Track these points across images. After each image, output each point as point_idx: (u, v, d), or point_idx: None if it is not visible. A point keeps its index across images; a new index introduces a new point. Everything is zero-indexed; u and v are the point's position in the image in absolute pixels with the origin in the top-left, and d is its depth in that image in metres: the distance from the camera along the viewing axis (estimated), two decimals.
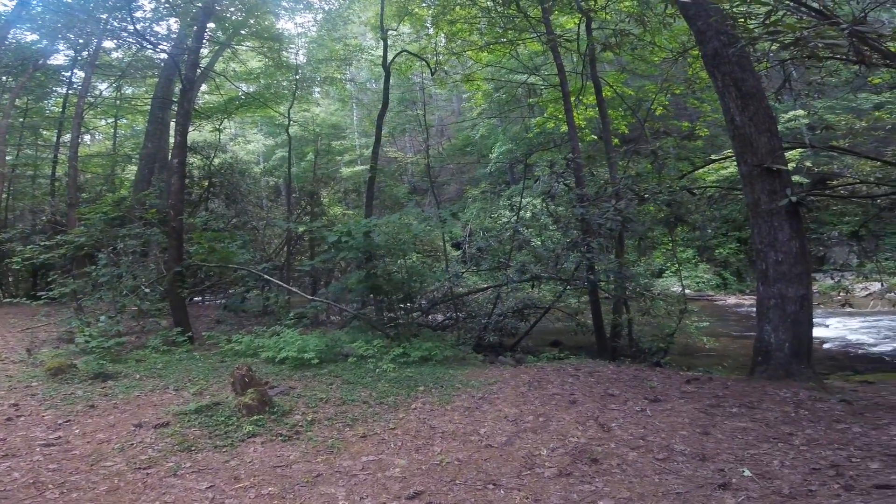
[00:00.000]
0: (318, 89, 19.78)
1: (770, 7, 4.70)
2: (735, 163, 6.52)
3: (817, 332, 11.48)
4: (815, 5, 4.80)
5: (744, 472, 3.10)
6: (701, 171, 16.10)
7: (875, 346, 10.17)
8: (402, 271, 8.44)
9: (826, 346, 10.49)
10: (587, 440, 3.81)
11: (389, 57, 13.81)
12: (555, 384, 5.54)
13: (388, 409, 4.88)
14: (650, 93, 12.30)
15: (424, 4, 13.45)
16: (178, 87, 12.76)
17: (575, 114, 14.10)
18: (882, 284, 8.67)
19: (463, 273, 10.76)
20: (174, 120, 11.57)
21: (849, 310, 11.76)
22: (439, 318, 10.60)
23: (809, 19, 4.83)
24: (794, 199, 5.36)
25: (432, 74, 14.33)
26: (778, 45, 4.51)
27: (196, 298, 14.61)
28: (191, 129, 15.70)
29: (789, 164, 17.29)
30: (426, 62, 14.19)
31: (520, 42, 12.54)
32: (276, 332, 7.62)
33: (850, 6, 5.13)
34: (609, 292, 9.00)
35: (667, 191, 6.92)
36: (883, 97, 12.49)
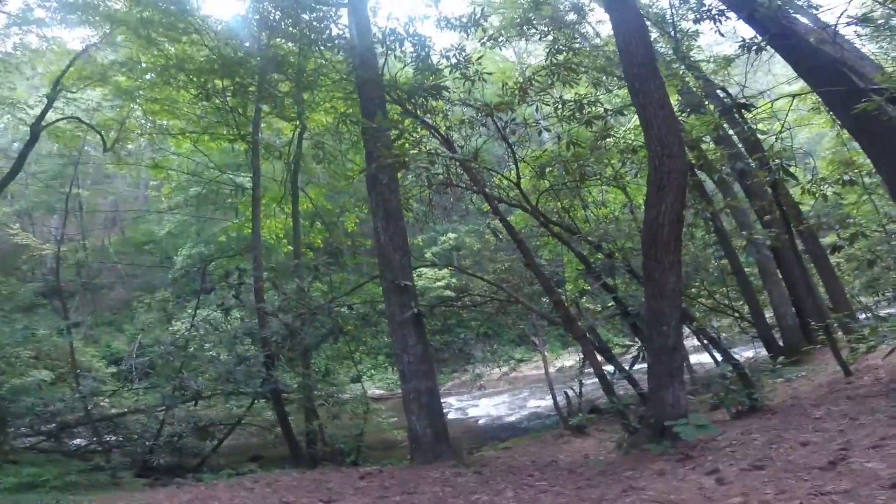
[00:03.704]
0: None
1: (398, 132, 5.85)
2: None
3: (472, 412, 13.98)
4: (444, 135, 6.08)
5: None
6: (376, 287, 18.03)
7: (510, 416, 12.96)
8: None
9: (480, 422, 12.77)
10: None
11: (52, 118, 11.14)
12: (222, 500, 4.98)
13: None
14: (343, 208, 13.30)
15: (132, 76, 11.29)
16: None
17: (274, 222, 13.90)
18: (500, 368, 11.36)
19: (110, 392, 9.29)
20: None
21: (490, 390, 14.81)
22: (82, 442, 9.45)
23: (438, 148, 6.08)
24: (416, 311, 6.49)
25: (105, 150, 12.28)
26: (402, 169, 5.57)
27: None
28: None
29: (443, 281, 21.11)
30: (101, 136, 12.01)
31: (230, 139, 11.82)
32: None
33: (475, 142, 6.61)
34: (298, 402, 9.02)
35: (328, 306, 7.48)
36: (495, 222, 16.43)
